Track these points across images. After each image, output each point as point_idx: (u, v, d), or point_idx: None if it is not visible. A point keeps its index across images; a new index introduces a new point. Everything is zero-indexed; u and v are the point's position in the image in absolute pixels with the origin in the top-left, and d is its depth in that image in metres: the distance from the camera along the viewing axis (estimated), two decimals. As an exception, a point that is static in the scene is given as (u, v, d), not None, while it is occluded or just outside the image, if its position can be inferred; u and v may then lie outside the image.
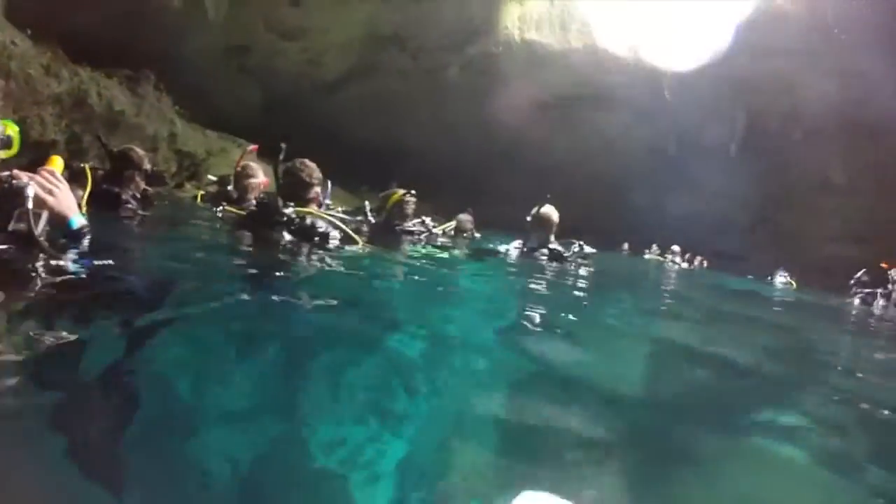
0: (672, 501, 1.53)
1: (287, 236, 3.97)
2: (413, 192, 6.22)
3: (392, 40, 19.46)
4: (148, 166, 6.47)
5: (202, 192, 8.81)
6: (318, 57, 18.48)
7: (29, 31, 9.84)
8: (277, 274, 3.32)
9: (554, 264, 5.92)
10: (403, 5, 18.16)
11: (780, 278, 14.88)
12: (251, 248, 4.00)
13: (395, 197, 6.01)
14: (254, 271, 3.32)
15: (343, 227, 4.20)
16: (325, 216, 4.17)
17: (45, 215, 1.95)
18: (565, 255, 6.07)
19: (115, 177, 5.33)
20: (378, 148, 21.87)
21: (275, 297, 2.65)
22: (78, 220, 2.08)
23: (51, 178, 1.98)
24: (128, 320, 1.92)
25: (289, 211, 3.97)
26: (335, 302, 2.84)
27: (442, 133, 22.31)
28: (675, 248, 17.29)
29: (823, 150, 17.91)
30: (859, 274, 10.81)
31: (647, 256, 17.65)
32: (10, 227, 1.85)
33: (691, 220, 19.25)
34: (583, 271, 5.98)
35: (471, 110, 21.38)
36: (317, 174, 4.33)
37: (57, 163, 2.12)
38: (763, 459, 1.80)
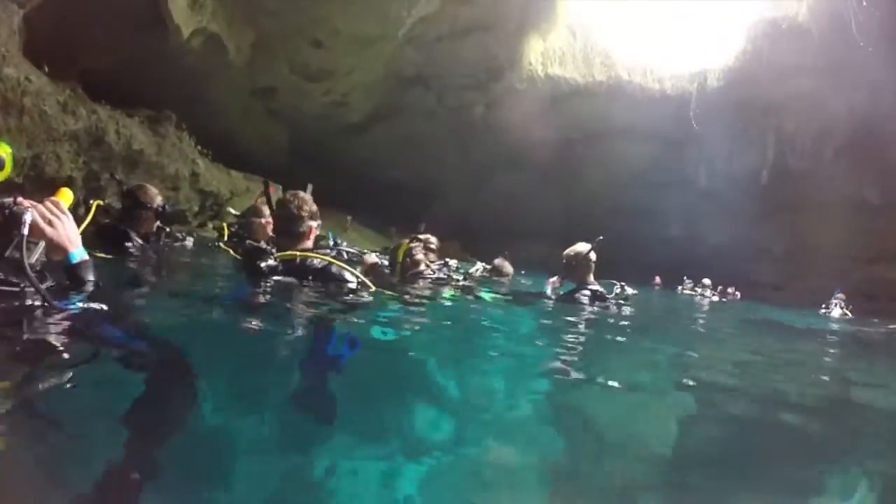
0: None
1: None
2: (420, 237, 5.80)
3: (416, 80, 19.50)
4: (160, 203, 6.23)
5: (224, 226, 8.57)
6: (344, 98, 18.58)
7: (46, 69, 9.96)
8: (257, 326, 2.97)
9: (595, 306, 5.44)
10: (426, 45, 18.19)
11: (837, 309, 13.65)
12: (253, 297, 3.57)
13: (403, 246, 5.63)
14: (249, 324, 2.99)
15: (347, 267, 3.76)
16: (317, 255, 3.68)
17: (41, 245, 1.92)
18: (607, 296, 5.62)
19: (126, 215, 5.14)
20: (406, 188, 21.80)
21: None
22: (79, 254, 2.01)
23: (53, 208, 1.94)
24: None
25: (266, 264, 3.51)
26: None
27: (469, 171, 22.12)
28: (706, 281, 16.38)
29: (856, 167, 16.86)
30: None
31: (679, 290, 16.72)
32: (7, 253, 1.81)
33: (724, 251, 18.31)
34: (625, 311, 5.58)
35: (498, 148, 21.17)
36: (308, 207, 3.83)
37: (65, 195, 2.08)
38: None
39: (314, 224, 3.85)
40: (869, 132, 16.12)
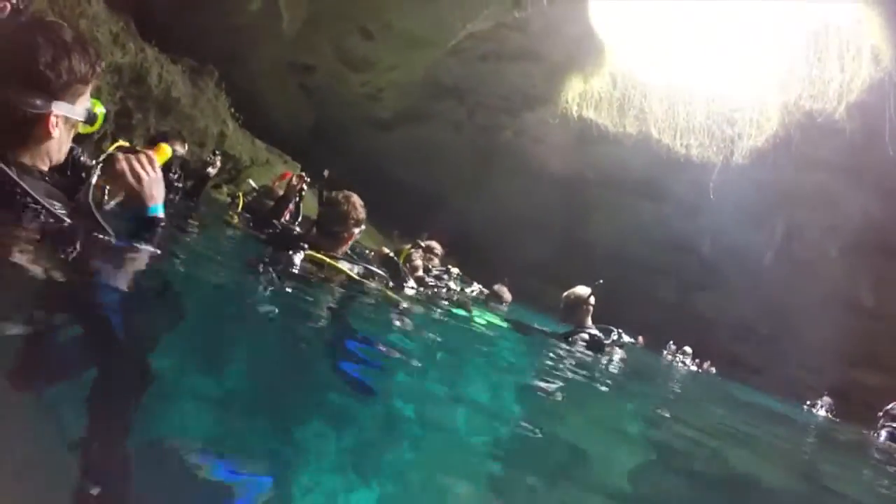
0: None
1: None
2: (423, 243, 5.75)
3: (452, 92, 19.48)
4: (183, 151, 6.10)
5: (241, 195, 8.39)
6: (378, 92, 18.47)
7: (106, -4, 9.71)
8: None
9: (592, 349, 5.44)
10: (470, 61, 18.20)
11: (822, 411, 13.72)
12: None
13: (405, 253, 5.62)
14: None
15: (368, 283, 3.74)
16: (342, 265, 3.59)
17: (120, 195, 1.95)
18: (605, 341, 5.56)
19: None
20: (418, 194, 21.61)
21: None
22: (158, 210, 1.99)
23: (146, 163, 1.94)
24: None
25: (296, 257, 3.41)
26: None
27: (483, 191, 22.02)
28: (688, 349, 16.32)
29: (858, 268, 17.16)
30: (890, 406, 9.86)
31: (664, 354, 16.67)
32: (79, 197, 1.85)
33: (713, 323, 18.40)
34: (616, 359, 5.59)
35: (516, 174, 21.15)
36: (357, 214, 3.76)
37: (163, 151, 2.09)
38: None
39: (356, 231, 3.80)
40: (877, 237, 16.42)
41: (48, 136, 1.70)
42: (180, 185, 6.30)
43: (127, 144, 5.46)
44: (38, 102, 1.63)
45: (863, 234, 16.84)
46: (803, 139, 17.15)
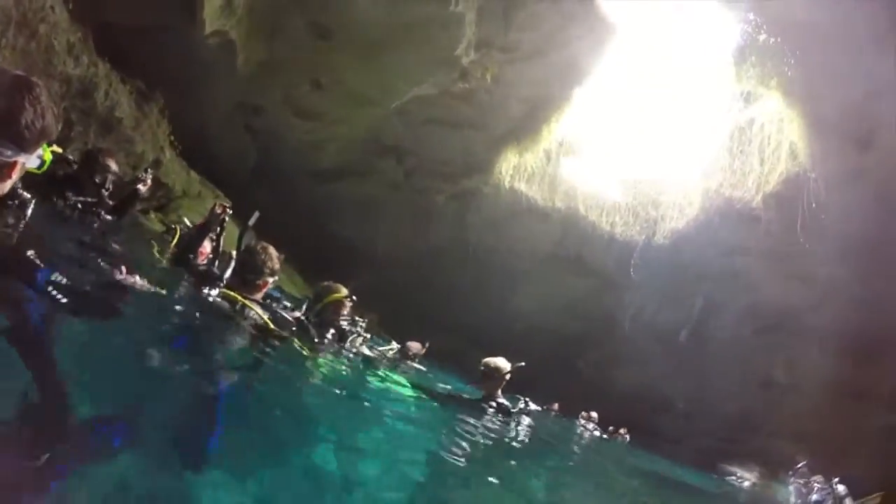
0: None
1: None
2: (354, 297, 5.76)
3: (391, 151, 19.85)
4: (115, 168, 6.10)
5: (178, 230, 8.03)
6: (322, 143, 18.59)
7: (70, 5, 9.47)
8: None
9: (499, 417, 5.86)
10: (414, 123, 18.74)
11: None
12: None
13: (337, 296, 5.43)
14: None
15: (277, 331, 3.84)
16: (254, 306, 3.79)
17: None
18: (511, 410, 6.03)
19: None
20: (352, 248, 21.50)
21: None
22: None
23: None
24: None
25: (212, 293, 3.75)
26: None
27: (414, 250, 22.11)
28: (594, 414, 16.40)
29: (772, 348, 18.33)
30: (799, 465, 10.67)
31: (578, 421, 16.74)
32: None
33: (630, 395, 18.98)
34: (522, 428, 6.03)
35: (450, 238, 21.54)
36: (272, 265, 4.06)
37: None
38: None
39: (270, 280, 4.08)
40: (791, 320, 17.69)
41: (7, 179, 1.84)
42: (110, 202, 6.11)
43: (60, 150, 5.45)
44: (9, 153, 1.78)
45: (778, 317, 18.13)
46: (722, 224, 18.56)
